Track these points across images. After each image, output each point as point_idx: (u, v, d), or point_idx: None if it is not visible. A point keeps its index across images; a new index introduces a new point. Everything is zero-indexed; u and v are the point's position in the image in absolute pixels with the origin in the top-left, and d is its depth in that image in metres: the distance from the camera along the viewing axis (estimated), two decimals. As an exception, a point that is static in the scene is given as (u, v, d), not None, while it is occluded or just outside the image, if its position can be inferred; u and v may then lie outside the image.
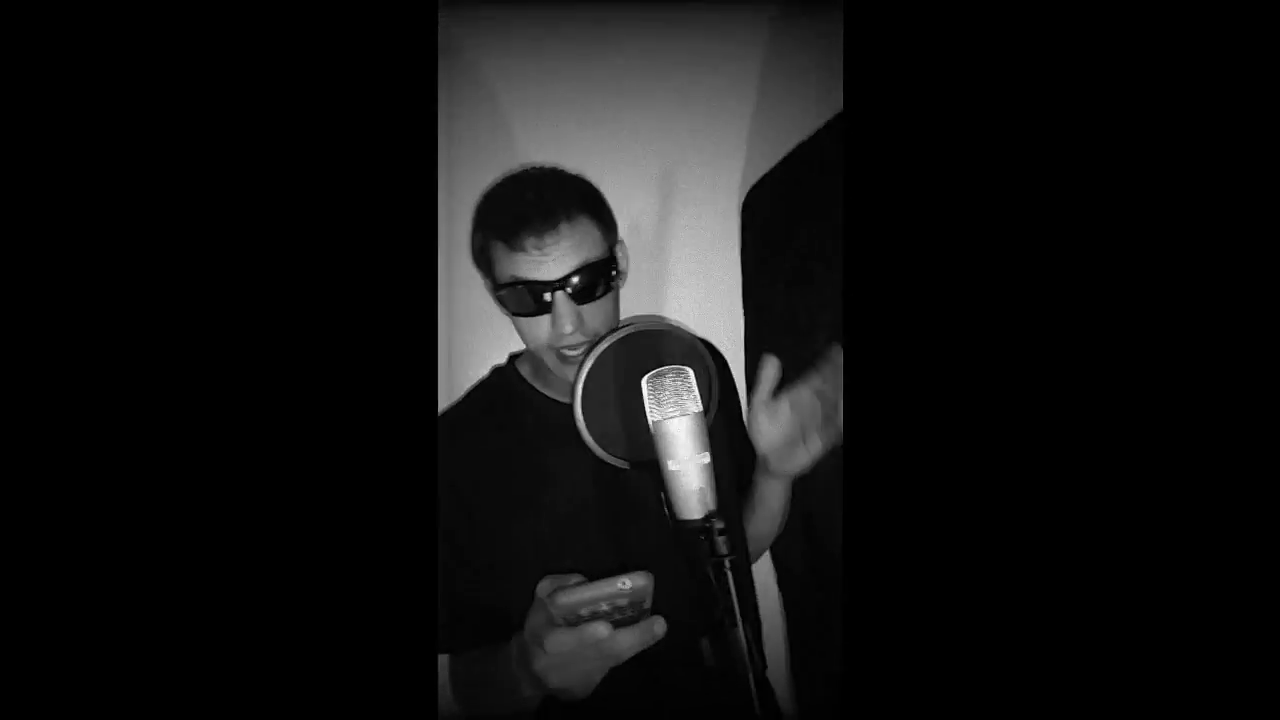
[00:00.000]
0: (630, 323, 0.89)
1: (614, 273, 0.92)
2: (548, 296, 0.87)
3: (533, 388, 1.02)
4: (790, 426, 0.92)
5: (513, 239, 0.87)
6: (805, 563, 1.28)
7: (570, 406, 0.84)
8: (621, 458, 0.86)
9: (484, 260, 0.93)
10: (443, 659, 0.99)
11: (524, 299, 0.88)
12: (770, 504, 1.05)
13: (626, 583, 0.64)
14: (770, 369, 0.91)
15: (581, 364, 0.84)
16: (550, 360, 0.92)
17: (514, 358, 1.08)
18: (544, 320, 0.89)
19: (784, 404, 0.92)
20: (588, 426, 0.85)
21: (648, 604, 0.68)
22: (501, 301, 0.92)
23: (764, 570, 1.42)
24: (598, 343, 0.85)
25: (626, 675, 0.90)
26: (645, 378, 0.75)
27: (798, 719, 1.38)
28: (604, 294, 0.90)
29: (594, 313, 0.90)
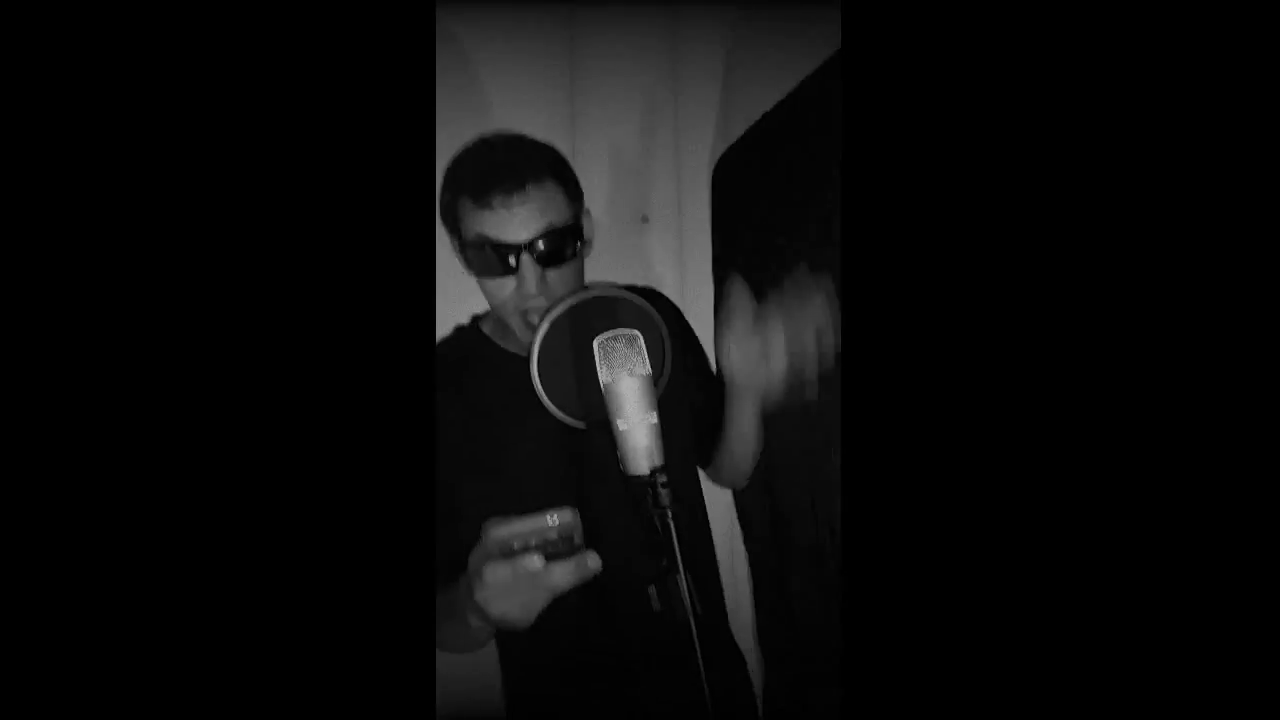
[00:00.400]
0: (587, 288, 0.92)
1: (579, 240, 0.95)
2: (513, 259, 0.90)
3: (495, 345, 1.05)
4: (754, 345, 0.96)
5: (480, 196, 0.89)
6: (767, 517, 1.33)
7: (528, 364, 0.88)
8: (577, 418, 0.90)
9: (450, 218, 0.95)
10: None
11: (490, 260, 0.91)
12: (740, 425, 1.07)
13: (554, 518, 0.69)
14: (737, 289, 0.96)
15: (538, 327, 0.87)
16: (515, 323, 0.95)
17: (476, 318, 1.11)
18: (509, 282, 0.92)
19: (748, 322, 0.96)
20: (544, 387, 0.88)
21: (578, 539, 0.72)
22: (467, 261, 0.94)
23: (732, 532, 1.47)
24: (553, 306, 0.88)
25: (585, 622, 0.95)
26: (596, 340, 0.79)
27: (763, 672, 1.43)
28: (569, 260, 0.93)
29: (558, 278, 0.93)
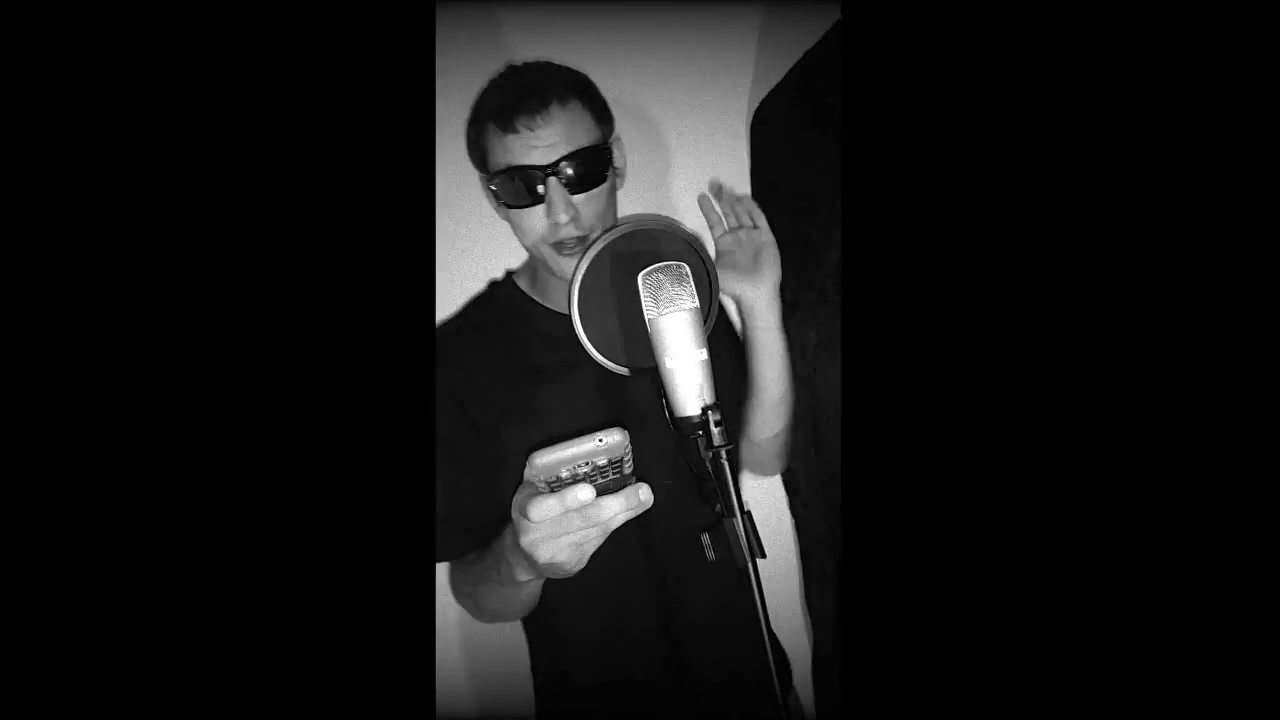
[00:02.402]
0: (624, 221, 0.88)
1: (609, 164, 0.91)
2: (540, 188, 0.86)
3: (531, 299, 1.01)
4: (743, 256, 0.99)
5: (504, 121, 0.86)
6: (812, 483, 1.28)
7: (568, 314, 0.83)
8: (621, 364, 0.85)
9: (478, 152, 0.92)
10: (442, 568, 0.99)
11: (517, 188, 0.87)
12: (767, 348, 1.02)
13: (601, 439, 0.64)
14: (711, 207, 0.98)
15: (577, 264, 0.83)
16: (548, 255, 0.91)
17: (511, 274, 1.07)
18: (538, 211, 0.88)
19: (728, 238, 1.00)
20: (585, 330, 0.84)
21: (629, 466, 0.67)
22: (496, 196, 0.91)
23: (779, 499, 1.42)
24: (593, 242, 0.84)
25: (635, 575, 0.91)
26: (641, 274, 0.74)
27: (812, 634, 1.39)
28: (599, 185, 0.89)
29: (589, 204, 0.89)
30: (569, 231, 0.88)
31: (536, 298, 1.01)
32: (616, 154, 0.93)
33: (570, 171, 0.86)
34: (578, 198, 0.88)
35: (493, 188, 0.90)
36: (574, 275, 0.82)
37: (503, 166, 0.87)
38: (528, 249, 0.93)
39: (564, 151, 0.86)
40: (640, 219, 0.90)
